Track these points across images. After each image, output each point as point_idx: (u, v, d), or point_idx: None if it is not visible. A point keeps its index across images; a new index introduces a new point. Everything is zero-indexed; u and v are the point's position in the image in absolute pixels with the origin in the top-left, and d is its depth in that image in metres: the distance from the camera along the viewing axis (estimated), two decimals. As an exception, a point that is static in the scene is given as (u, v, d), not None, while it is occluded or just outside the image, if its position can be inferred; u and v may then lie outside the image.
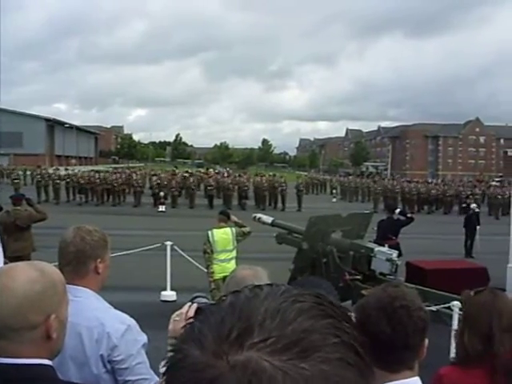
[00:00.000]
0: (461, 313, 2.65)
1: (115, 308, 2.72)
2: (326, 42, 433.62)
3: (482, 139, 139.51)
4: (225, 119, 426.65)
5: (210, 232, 9.49)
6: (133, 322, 2.64)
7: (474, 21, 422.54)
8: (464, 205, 19.90)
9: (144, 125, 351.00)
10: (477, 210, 19.25)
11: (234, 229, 9.53)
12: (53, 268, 1.87)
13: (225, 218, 9.61)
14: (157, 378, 2.09)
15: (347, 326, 0.65)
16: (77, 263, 2.65)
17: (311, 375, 0.58)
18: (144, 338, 2.63)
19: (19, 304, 1.66)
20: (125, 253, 10.94)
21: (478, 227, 18.77)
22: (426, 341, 1.94)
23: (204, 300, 2.10)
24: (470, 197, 22.97)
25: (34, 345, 1.69)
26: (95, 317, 2.56)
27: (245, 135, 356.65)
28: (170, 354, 0.67)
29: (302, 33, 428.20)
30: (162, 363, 1.97)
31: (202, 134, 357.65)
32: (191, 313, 1.93)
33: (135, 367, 2.53)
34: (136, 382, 2.51)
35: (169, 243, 11.45)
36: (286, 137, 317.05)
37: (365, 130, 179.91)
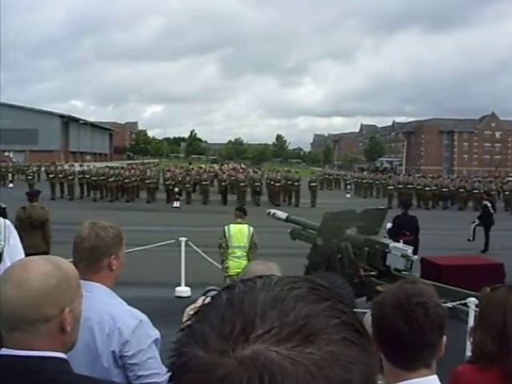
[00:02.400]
0: (477, 309, 2.61)
1: (129, 304, 2.72)
2: (343, 37, 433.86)
3: (497, 134, 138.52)
4: (240, 115, 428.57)
5: (226, 227, 9.57)
6: (144, 317, 2.64)
7: (491, 17, 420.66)
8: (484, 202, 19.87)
9: (159, 121, 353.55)
10: (489, 204, 19.09)
11: (251, 228, 9.55)
12: (67, 263, 1.89)
13: (241, 214, 9.68)
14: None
15: (344, 306, 0.66)
16: (91, 259, 2.66)
17: (319, 358, 0.58)
18: (156, 333, 2.63)
19: (34, 297, 1.68)
20: (139, 248, 10.96)
21: (476, 222, 18.77)
22: (444, 338, 1.91)
23: None
24: (484, 195, 22.71)
25: (48, 337, 1.70)
26: (107, 312, 2.56)
27: (260, 131, 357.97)
28: (172, 358, 0.66)
29: (318, 29, 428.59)
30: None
31: (217, 130, 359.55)
32: None
33: (146, 362, 2.53)
34: (147, 377, 2.51)
35: (183, 239, 11.46)
36: (301, 132, 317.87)
37: (380, 126, 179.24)
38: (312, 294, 0.65)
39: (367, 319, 2.03)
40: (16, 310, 1.67)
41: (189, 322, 0.69)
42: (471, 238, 18.39)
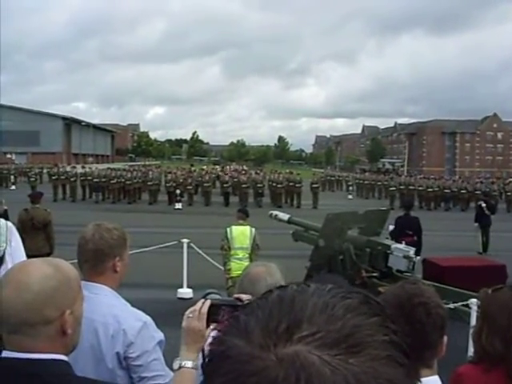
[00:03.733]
0: (479, 310, 2.61)
1: (132, 305, 2.73)
2: (346, 39, 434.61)
3: (499, 135, 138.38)
4: (243, 117, 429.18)
5: (228, 228, 9.58)
6: (149, 319, 2.65)
7: (494, 18, 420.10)
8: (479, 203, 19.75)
9: (161, 123, 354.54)
10: (483, 205, 18.94)
11: (253, 229, 9.56)
12: (68, 264, 1.88)
13: (243, 216, 9.68)
14: (172, 375, 2.09)
15: (394, 326, 0.64)
16: (95, 261, 2.68)
17: (360, 371, 0.57)
18: (160, 335, 2.64)
19: (34, 299, 1.68)
20: (141, 250, 10.97)
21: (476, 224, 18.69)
22: (445, 338, 1.91)
23: (217, 296, 2.09)
24: (481, 196, 22.62)
25: (49, 340, 1.70)
26: (111, 313, 2.57)
27: (262, 133, 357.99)
28: (212, 346, 0.67)
29: (321, 31, 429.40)
30: (176, 362, 1.97)
31: (219, 132, 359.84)
32: (204, 309, 1.93)
33: (150, 364, 2.54)
34: (151, 379, 2.52)
35: (185, 241, 11.47)
36: (303, 134, 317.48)
37: (382, 127, 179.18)
38: (364, 306, 0.64)
39: None
40: (16, 313, 1.67)
41: (235, 313, 0.69)
42: (481, 251, 18.09)
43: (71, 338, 1.77)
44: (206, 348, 0.55)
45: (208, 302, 1.95)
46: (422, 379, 1.84)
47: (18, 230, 9.13)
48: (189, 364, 1.92)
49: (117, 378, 2.48)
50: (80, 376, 1.84)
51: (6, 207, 10.25)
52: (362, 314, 0.62)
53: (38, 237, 9.77)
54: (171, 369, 2.10)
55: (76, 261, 2.66)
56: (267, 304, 0.65)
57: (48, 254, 9.42)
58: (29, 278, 1.70)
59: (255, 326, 0.63)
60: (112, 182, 33.35)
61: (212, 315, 1.91)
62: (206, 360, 0.66)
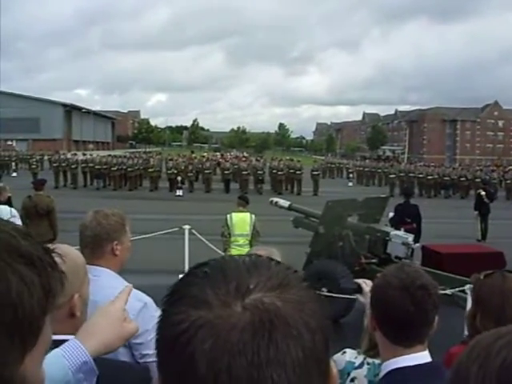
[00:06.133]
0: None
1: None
2: (349, 27, 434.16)
3: (500, 123, 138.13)
4: (244, 104, 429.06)
5: (228, 215, 9.66)
6: (149, 299, 2.78)
7: (497, 6, 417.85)
8: (478, 191, 19.82)
9: (162, 110, 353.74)
10: (482, 193, 19.02)
11: (253, 216, 9.65)
12: (74, 250, 2.02)
13: (243, 203, 9.77)
14: None
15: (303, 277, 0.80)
16: (94, 246, 2.83)
17: (300, 297, 0.73)
18: None
19: None
20: (143, 237, 11.04)
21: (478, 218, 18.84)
22: (437, 317, 2.04)
23: None
24: (480, 184, 22.58)
25: (58, 323, 1.77)
26: (113, 295, 2.65)
27: (264, 119, 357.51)
28: (167, 330, 0.73)
29: (324, 19, 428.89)
30: None
31: (220, 119, 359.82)
32: None
33: (151, 342, 2.63)
34: (152, 356, 2.61)
35: (187, 227, 11.56)
36: (304, 121, 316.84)
37: (382, 114, 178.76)
38: (272, 260, 0.80)
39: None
40: None
41: (165, 299, 0.77)
42: (480, 238, 18.25)
43: (80, 320, 1.87)
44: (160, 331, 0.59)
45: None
46: (416, 354, 1.97)
47: (22, 216, 9.27)
48: None
49: (119, 355, 2.57)
50: None
51: (9, 194, 10.33)
52: (285, 268, 0.78)
53: (41, 223, 9.84)
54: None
55: (78, 246, 2.78)
56: (206, 276, 0.75)
57: (51, 241, 9.50)
58: None
59: (206, 296, 0.71)
60: (113, 169, 33.44)
61: None
62: (168, 345, 0.72)
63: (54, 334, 1.75)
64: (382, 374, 2.02)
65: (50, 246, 1.85)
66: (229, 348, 0.66)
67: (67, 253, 1.88)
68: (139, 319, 2.63)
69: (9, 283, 0.74)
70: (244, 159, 39.14)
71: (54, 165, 34.41)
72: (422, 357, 1.98)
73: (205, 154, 46.85)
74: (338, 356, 2.68)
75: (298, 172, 33.79)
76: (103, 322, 1.61)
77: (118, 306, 1.64)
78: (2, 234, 0.78)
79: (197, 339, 0.68)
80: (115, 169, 33.47)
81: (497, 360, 0.87)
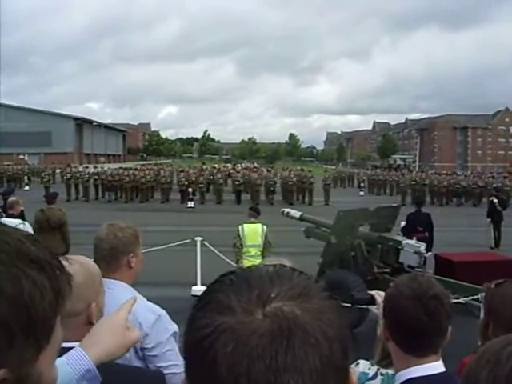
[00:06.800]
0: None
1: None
2: (359, 36, 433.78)
3: (511, 129, 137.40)
4: (255, 115, 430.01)
5: (240, 226, 9.69)
6: (163, 312, 2.80)
7: (507, 13, 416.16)
8: (491, 198, 19.80)
9: (173, 122, 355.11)
10: (495, 200, 18.97)
11: (264, 226, 9.66)
12: (90, 261, 2.10)
13: (255, 214, 9.79)
14: None
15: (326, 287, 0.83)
16: (110, 259, 2.85)
17: (320, 306, 0.75)
18: (174, 327, 2.78)
19: None
20: (155, 249, 11.07)
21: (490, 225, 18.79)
22: (450, 327, 2.03)
23: None
24: (493, 191, 22.39)
25: (76, 330, 1.83)
26: None
27: (274, 130, 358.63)
28: (191, 335, 0.76)
29: (334, 28, 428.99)
30: None
31: (231, 130, 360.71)
32: None
33: (165, 354, 2.67)
34: (166, 368, 2.64)
35: (199, 239, 11.58)
36: (314, 131, 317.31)
37: (392, 123, 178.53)
38: (297, 271, 0.81)
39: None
40: None
41: (195, 304, 0.80)
42: (493, 246, 18.22)
43: None
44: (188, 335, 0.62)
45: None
46: (429, 364, 1.97)
47: (35, 230, 9.31)
48: None
49: None
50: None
51: (22, 208, 10.40)
52: (306, 278, 0.80)
53: (54, 237, 9.88)
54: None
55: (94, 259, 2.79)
56: (227, 287, 0.77)
57: (64, 254, 9.47)
58: None
59: (230, 302, 0.74)
60: (124, 181, 33.56)
61: None
62: (191, 350, 0.76)
63: (71, 341, 1.79)
64: (396, 384, 2.02)
65: (66, 257, 1.88)
66: (248, 352, 0.69)
67: (84, 263, 1.99)
68: (153, 332, 2.66)
69: (22, 287, 0.77)
70: (255, 170, 39.14)
71: (66, 178, 34.53)
72: (436, 367, 1.98)
73: (215, 165, 46.86)
74: (351, 367, 2.66)
75: (309, 182, 33.75)
76: (106, 330, 1.65)
77: (122, 314, 1.68)
78: (13, 241, 0.82)
79: (219, 343, 0.71)
80: (127, 181, 33.59)
81: (506, 366, 0.89)
